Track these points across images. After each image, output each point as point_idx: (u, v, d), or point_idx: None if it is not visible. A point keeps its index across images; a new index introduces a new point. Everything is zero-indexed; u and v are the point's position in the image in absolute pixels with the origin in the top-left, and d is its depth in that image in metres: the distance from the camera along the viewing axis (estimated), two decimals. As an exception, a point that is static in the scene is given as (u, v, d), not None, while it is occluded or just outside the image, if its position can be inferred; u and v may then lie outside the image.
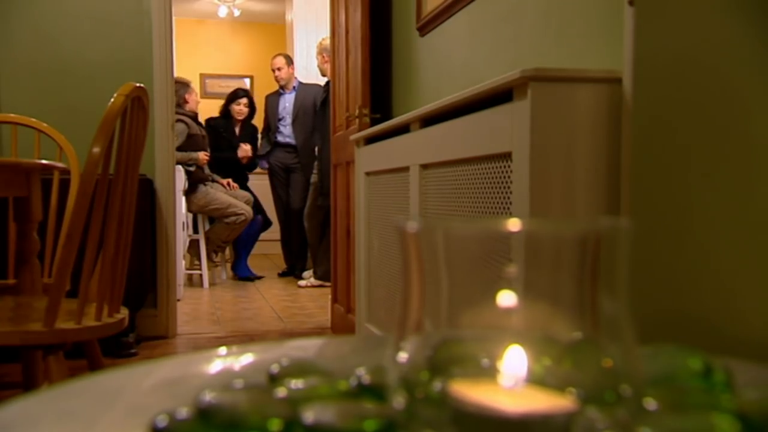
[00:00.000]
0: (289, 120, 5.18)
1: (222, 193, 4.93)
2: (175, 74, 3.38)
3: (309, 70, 5.74)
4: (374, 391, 0.44)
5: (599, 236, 0.34)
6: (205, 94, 7.70)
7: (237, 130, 5.41)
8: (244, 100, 5.39)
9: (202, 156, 4.83)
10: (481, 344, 0.35)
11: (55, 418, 0.42)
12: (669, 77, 0.95)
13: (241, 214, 4.85)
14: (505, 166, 1.31)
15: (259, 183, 5.68)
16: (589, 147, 1.23)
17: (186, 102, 5.02)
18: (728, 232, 0.84)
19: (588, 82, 1.23)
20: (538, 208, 1.20)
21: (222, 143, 5.29)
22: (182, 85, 4.97)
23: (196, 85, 7.74)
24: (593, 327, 0.34)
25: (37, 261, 1.74)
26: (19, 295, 1.71)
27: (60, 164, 1.89)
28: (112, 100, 1.39)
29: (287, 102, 5.19)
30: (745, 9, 0.82)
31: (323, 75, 4.88)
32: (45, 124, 2.24)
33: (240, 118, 5.38)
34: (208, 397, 0.39)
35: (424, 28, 2.61)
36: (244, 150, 5.27)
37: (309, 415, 0.37)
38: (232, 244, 5.21)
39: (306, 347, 0.62)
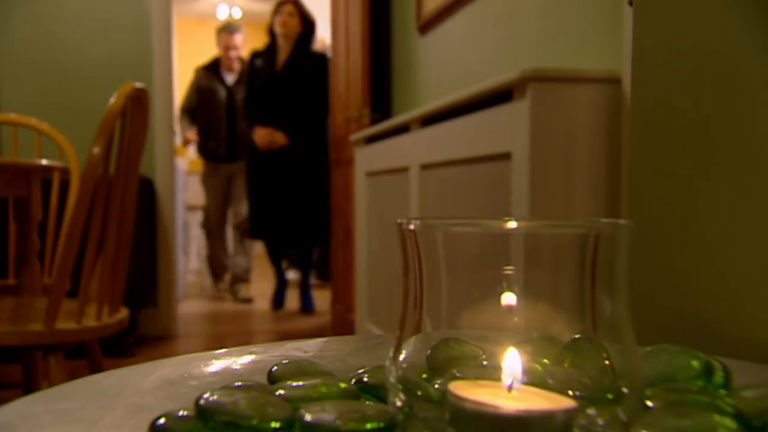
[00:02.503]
0: None
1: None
2: (175, 74, 3.38)
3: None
4: (374, 391, 0.44)
5: (599, 236, 0.34)
6: (205, 94, 7.69)
7: (280, 57, 3.65)
8: (288, 7, 3.57)
9: (186, 137, 4.21)
10: (480, 344, 0.35)
11: (55, 418, 0.42)
12: (669, 77, 0.95)
13: (206, 218, 4.43)
14: (504, 166, 1.31)
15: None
16: (589, 147, 1.23)
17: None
18: (729, 232, 0.84)
19: (587, 82, 1.23)
20: (538, 208, 1.20)
21: (256, 85, 3.74)
22: (222, 29, 4.35)
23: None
24: (593, 327, 0.34)
25: (37, 261, 1.74)
26: (19, 295, 1.71)
27: (60, 164, 1.89)
28: (112, 100, 1.39)
29: None
30: (746, 9, 0.82)
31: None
32: (45, 125, 2.24)
33: (284, 30, 3.57)
34: (208, 397, 0.39)
35: (424, 29, 2.60)
36: (259, 134, 3.60)
37: (309, 415, 0.37)
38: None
39: (306, 347, 0.62)
